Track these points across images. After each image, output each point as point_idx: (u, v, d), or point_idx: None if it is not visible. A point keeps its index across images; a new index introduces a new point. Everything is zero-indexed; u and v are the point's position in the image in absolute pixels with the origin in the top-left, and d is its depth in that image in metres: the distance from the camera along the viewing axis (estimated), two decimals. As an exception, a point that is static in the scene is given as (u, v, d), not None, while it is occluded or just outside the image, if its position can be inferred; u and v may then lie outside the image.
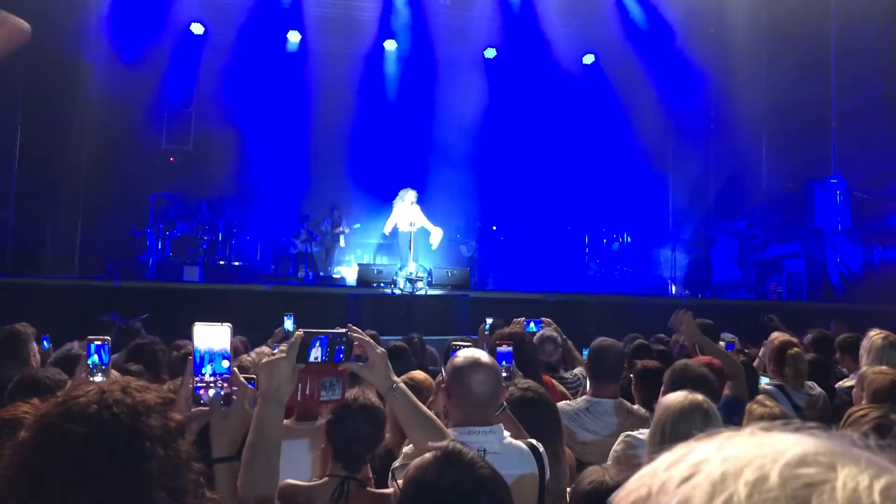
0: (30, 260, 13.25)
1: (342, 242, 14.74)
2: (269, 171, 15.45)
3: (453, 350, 3.01)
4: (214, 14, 15.39)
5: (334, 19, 15.83)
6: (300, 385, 1.95)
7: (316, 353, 1.95)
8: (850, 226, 13.24)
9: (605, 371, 3.81)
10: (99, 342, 2.76)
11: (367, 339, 2.05)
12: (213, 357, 1.85)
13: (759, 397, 2.96)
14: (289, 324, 6.16)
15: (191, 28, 15.47)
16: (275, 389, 1.89)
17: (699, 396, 2.48)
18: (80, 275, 13.51)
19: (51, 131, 13.73)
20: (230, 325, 1.90)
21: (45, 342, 6.51)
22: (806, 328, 8.97)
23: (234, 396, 1.84)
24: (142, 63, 14.68)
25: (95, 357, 2.72)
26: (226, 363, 1.85)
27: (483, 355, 2.47)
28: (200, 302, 10.55)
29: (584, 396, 3.87)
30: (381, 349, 2.08)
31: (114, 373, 2.83)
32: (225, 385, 1.84)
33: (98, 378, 2.70)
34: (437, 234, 12.59)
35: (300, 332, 1.96)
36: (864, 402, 3.27)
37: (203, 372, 1.83)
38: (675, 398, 2.47)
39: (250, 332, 8.02)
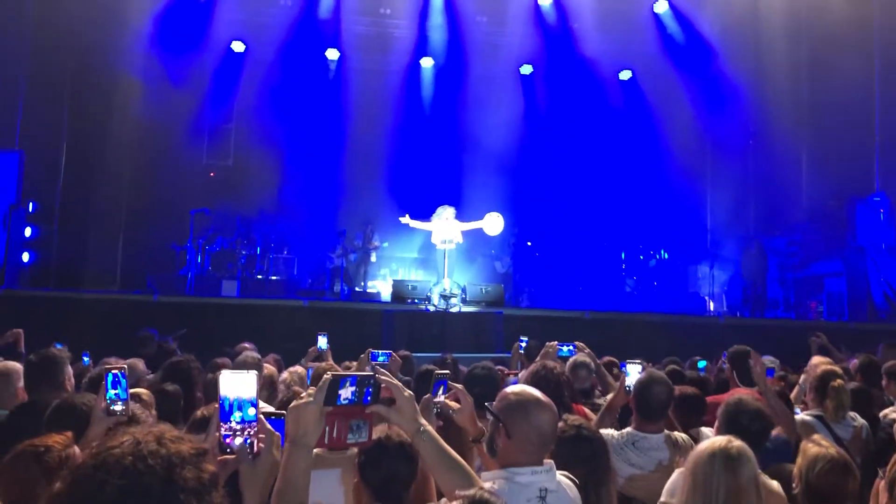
0: (73, 274, 13.53)
1: (373, 258, 14.82)
2: (306, 187, 15.62)
3: (439, 380, 2.97)
4: (255, 32, 15.65)
5: (372, 37, 16.00)
6: (327, 428, 1.94)
7: (345, 395, 1.94)
8: (894, 244, 12.94)
9: (652, 410, 3.61)
10: (116, 370, 2.73)
11: (395, 382, 2.04)
12: (241, 405, 1.85)
13: (815, 437, 2.87)
14: (322, 342, 6.19)
15: (231, 46, 15.75)
16: (302, 434, 1.89)
17: (730, 441, 2.44)
18: (121, 288, 13.78)
19: (94, 147, 14.05)
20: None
21: (84, 358, 6.65)
22: (849, 349, 8.84)
23: (261, 444, 1.84)
24: (184, 80, 14.98)
25: (112, 392, 2.71)
26: (252, 411, 1.85)
27: (536, 392, 2.44)
28: (238, 317, 10.68)
29: (628, 429, 3.73)
30: (408, 392, 2.06)
31: (133, 406, 2.85)
32: (252, 433, 1.84)
33: (118, 408, 2.70)
34: (490, 224, 12.58)
35: (328, 375, 1.96)
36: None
37: (231, 419, 1.84)
38: (706, 444, 2.43)
39: (286, 346, 8.11)
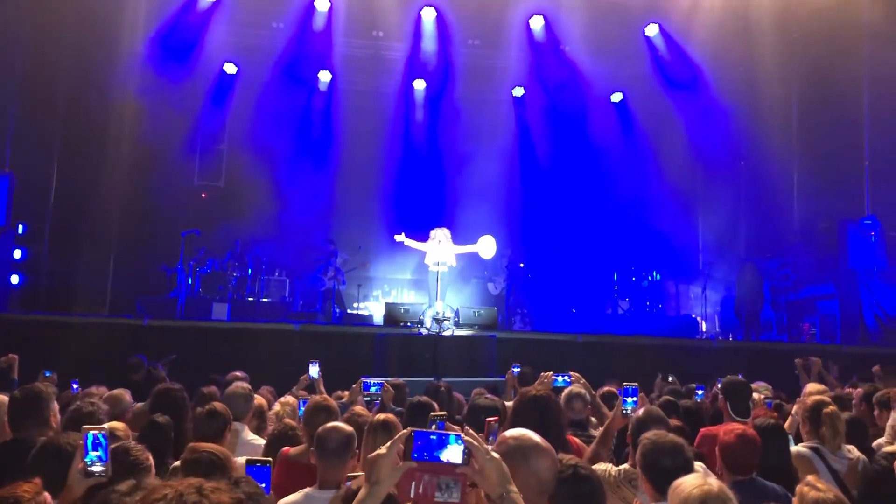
0: (63, 296, 13.43)
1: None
2: (298, 208, 15.57)
3: (433, 422, 2.91)
4: (247, 54, 15.66)
5: (364, 59, 16.04)
6: (413, 482, 1.93)
7: (429, 451, 1.94)
8: (886, 267, 12.98)
9: (661, 478, 3.02)
10: (96, 432, 2.66)
11: (484, 445, 1.99)
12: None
13: (811, 478, 2.81)
14: (314, 371, 6.13)
15: (224, 68, 15.77)
16: (374, 482, 1.94)
17: (714, 485, 2.40)
18: (111, 311, 13.67)
19: (85, 168, 13.98)
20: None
21: (73, 385, 6.57)
22: (842, 374, 8.83)
23: None
24: (175, 101, 14.94)
25: (93, 454, 2.64)
26: None
27: (536, 436, 2.39)
28: (228, 341, 10.61)
29: (624, 466, 3.68)
30: (496, 456, 2.00)
31: (131, 445, 2.79)
32: None
33: (97, 469, 2.63)
34: (484, 247, 12.59)
35: (409, 429, 1.97)
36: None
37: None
38: (689, 487, 2.40)
39: (278, 372, 8.05)
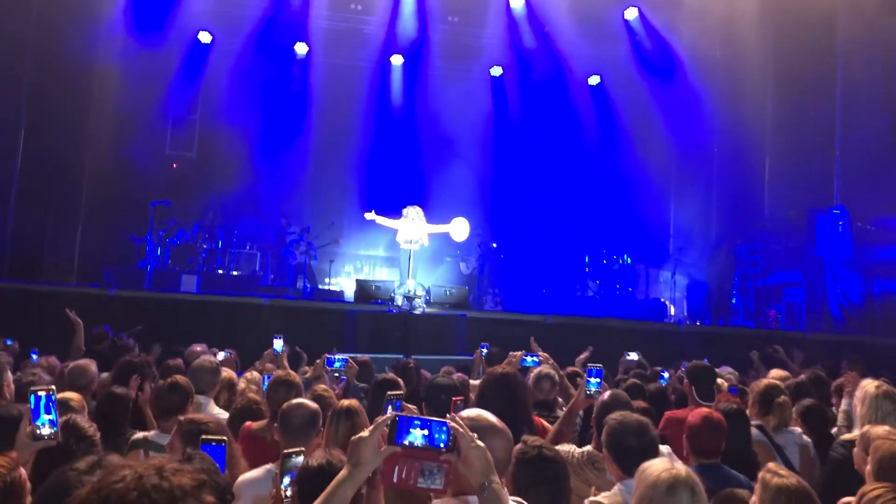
0: (29, 263, 13.21)
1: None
2: (271, 181, 15.45)
3: (389, 401, 2.87)
4: (223, 23, 15.42)
5: (342, 32, 15.86)
6: (396, 467, 1.93)
7: (414, 438, 1.93)
8: (852, 256, 13.18)
9: (627, 457, 3.05)
10: (44, 392, 2.60)
11: (469, 433, 1.97)
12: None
13: (772, 465, 2.83)
14: (278, 345, 6.08)
15: (198, 37, 15.48)
16: (355, 464, 1.95)
17: (682, 470, 2.42)
18: (79, 279, 13.47)
19: (54, 134, 13.69)
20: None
21: (33, 355, 6.47)
22: (806, 360, 8.97)
23: None
24: (148, 69, 14.68)
25: (45, 417, 2.60)
26: None
27: (491, 417, 2.37)
28: (197, 314, 10.53)
29: (587, 448, 3.69)
30: (481, 444, 1.99)
31: (78, 419, 2.75)
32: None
33: (45, 432, 2.59)
34: (457, 229, 12.56)
35: (392, 413, 1.99)
36: (868, 468, 3.12)
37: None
38: (656, 471, 2.41)
39: (246, 345, 8.00)
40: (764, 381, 4.73)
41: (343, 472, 1.96)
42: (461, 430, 1.96)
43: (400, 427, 1.93)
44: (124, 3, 14.22)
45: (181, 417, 3.33)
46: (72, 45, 13.52)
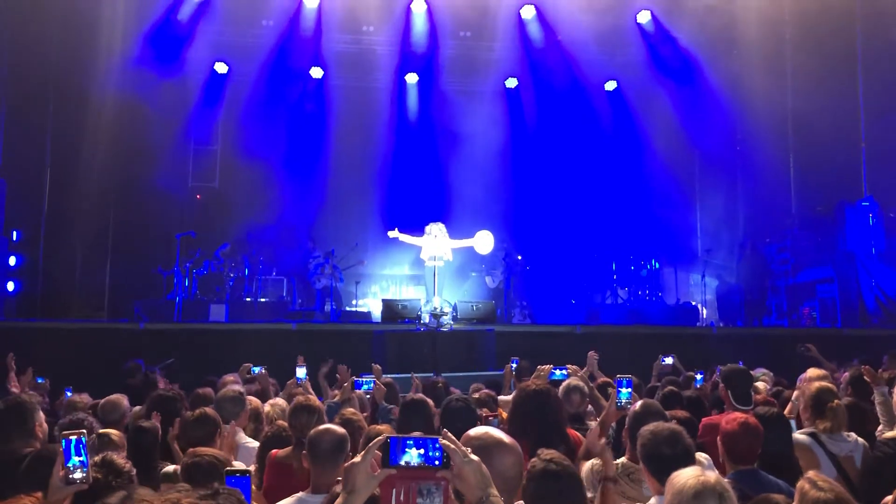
0: (59, 302, 13.40)
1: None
2: (294, 206, 15.54)
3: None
4: (238, 53, 15.59)
5: (355, 54, 15.95)
6: (394, 490, 1.90)
7: (409, 458, 1.91)
8: (885, 249, 12.92)
9: (662, 468, 2.92)
10: (75, 437, 2.61)
11: (462, 448, 1.94)
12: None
13: (812, 475, 2.73)
14: (301, 373, 6.09)
15: (215, 67, 15.69)
16: (349, 490, 1.92)
17: (711, 477, 2.36)
18: (109, 315, 13.62)
19: (78, 172, 13.91)
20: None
21: (67, 393, 6.52)
22: (843, 357, 8.77)
23: None
24: (167, 101, 14.86)
25: (76, 459, 2.60)
26: None
27: (499, 433, 2.35)
28: (226, 343, 10.56)
29: (622, 460, 3.62)
30: (475, 458, 1.96)
31: (114, 456, 2.76)
32: None
33: (77, 476, 2.59)
34: (481, 242, 12.49)
35: (384, 436, 1.94)
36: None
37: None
38: (686, 479, 2.35)
39: (276, 372, 7.99)
40: (815, 385, 4.58)
41: (339, 501, 1.93)
42: (452, 445, 1.93)
43: (393, 448, 1.90)
44: (139, 39, 14.38)
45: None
46: (90, 81, 13.78)
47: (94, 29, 13.52)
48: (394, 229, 12.39)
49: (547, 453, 2.80)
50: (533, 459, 2.74)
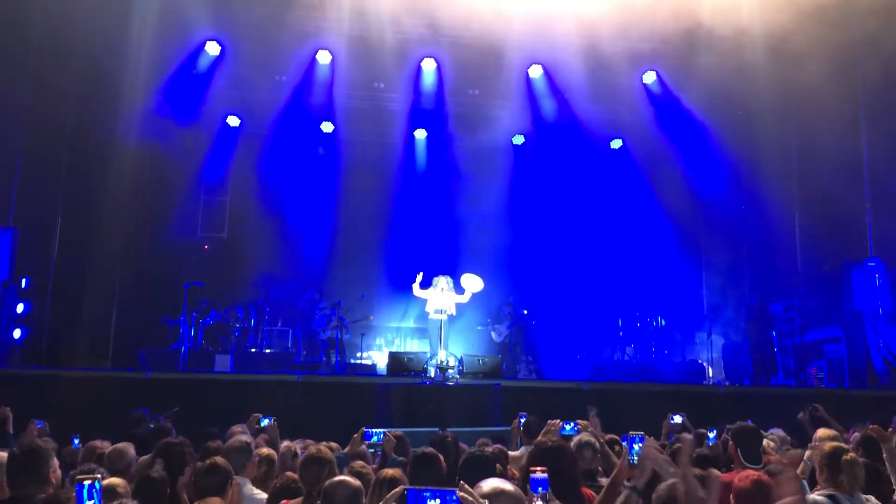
0: (65, 350, 13.38)
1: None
2: (301, 258, 15.65)
3: None
4: (250, 107, 15.85)
5: (366, 110, 16.19)
6: None
7: None
8: (892, 309, 12.90)
9: None
10: (88, 482, 2.61)
11: (479, 500, 1.96)
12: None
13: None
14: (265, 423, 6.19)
15: (227, 121, 15.96)
16: None
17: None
18: (114, 365, 13.59)
19: (89, 221, 14.01)
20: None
21: (74, 441, 6.47)
22: (852, 418, 8.68)
23: None
24: (178, 154, 15.08)
25: (88, 503, 2.59)
26: None
27: (506, 484, 2.35)
28: (231, 393, 10.51)
29: None
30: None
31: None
32: None
33: None
34: (469, 283, 12.47)
35: (401, 487, 1.97)
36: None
37: None
38: None
39: (282, 423, 7.93)
40: (829, 444, 4.55)
41: None
42: (469, 498, 1.93)
43: (411, 500, 1.91)
44: (153, 91, 14.64)
45: None
46: (104, 133, 14.00)
47: (109, 83, 13.74)
48: (415, 282, 12.43)
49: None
50: None
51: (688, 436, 4.17)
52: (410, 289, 12.52)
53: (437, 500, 1.93)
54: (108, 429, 6.76)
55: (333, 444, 4.75)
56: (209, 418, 8.27)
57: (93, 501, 2.60)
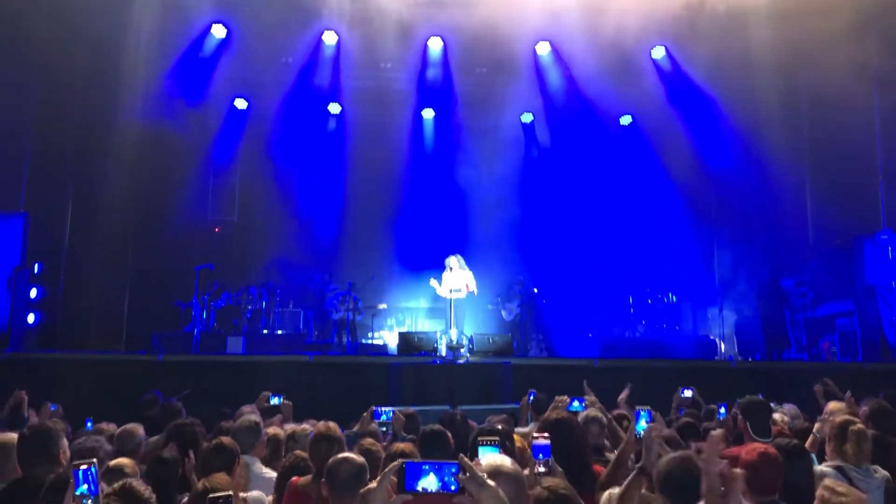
0: (78, 334, 13.50)
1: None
2: (311, 239, 15.69)
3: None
4: (257, 89, 15.84)
5: (373, 90, 16.12)
6: None
7: (426, 483, 1.91)
8: (905, 282, 12.81)
9: (677, 493, 3.03)
10: (85, 467, 2.64)
11: (478, 473, 1.95)
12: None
13: (828, 482, 2.72)
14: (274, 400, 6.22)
15: (234, 103, 15.95)
16: None
17: None
18: (127, 348, 13.70)
19: (99, 205, 14.05)
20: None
21: (87, 423, 6.54)
22: (864, 390, 8.64)
23: None
24: (187, 137, 15.12)
25: (84, 486, 2.62)
26: None
27: (504, 460, 2.36)
28: (243, 374, 10.58)
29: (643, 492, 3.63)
30: (491, 484, 1.95)
31: (133, 483, 2.78)
32: None
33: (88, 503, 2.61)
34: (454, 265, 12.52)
35: (399, 461, 1.94)
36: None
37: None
38: None
39: (294, 404, 7.99)
40: (840, 417, 4.55)
41: None
42: (476, 473, 1.93)
43: (409, 473, 1.91)
44: (161, 74, 14.64)
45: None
46: (113, 117, 14.01)
47: (117, 66, 13.76)
48: (432, 278, 12.59)
49: (549, 481, 2.78)
50: (536, 488, 2.70)
51: (716, 432, 4.15)
52: (420, 269, 12.57)
53: (437, 475, 1.92)
54: (121, 411, 6.83)
55: (332, 424, 4.74)
56: (222, 400, 8.34)
57: (87, 485, 2.63)
